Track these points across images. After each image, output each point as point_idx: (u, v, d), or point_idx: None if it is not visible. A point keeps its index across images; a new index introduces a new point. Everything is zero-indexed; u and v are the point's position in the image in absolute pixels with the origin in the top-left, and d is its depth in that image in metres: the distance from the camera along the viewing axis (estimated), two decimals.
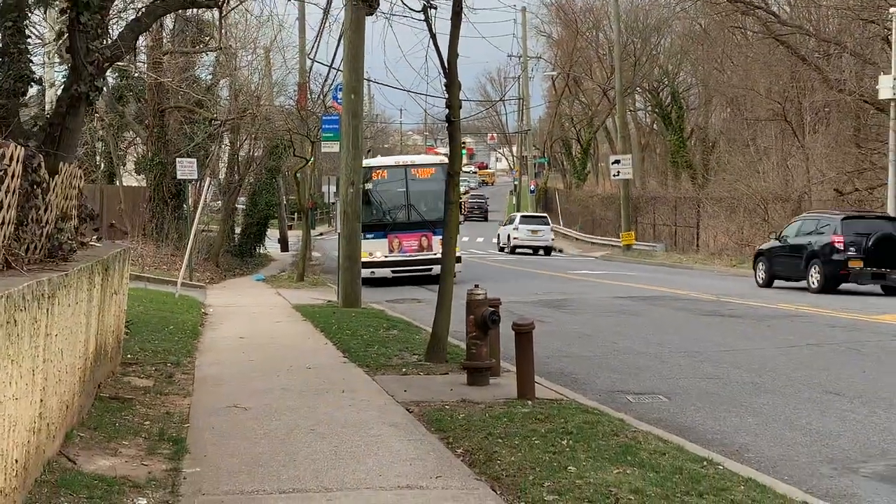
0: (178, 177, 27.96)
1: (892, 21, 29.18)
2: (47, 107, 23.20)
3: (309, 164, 32.57)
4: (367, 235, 25.54)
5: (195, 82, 33.57)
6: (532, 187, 62.69)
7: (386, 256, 27.49)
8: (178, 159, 28.10)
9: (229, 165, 37.51)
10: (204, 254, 32.28)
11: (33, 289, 5.70)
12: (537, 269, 33.80)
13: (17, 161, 6.56)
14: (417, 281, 27.02)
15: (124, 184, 35.80)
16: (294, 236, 53.10)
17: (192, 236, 24.28)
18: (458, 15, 12.59)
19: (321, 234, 60.24)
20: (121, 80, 33.80)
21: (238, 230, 40.29)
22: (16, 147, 6.50)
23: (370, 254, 26.27)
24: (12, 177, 6.42)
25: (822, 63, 37.26)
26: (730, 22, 44.08)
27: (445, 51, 12.88)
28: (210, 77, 36.23)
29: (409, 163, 29.62)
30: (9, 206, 6.41)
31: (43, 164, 7.40)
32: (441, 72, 13.01)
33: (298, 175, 32.79)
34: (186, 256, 24.04)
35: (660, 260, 41.25)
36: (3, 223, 6.28)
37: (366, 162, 27.67)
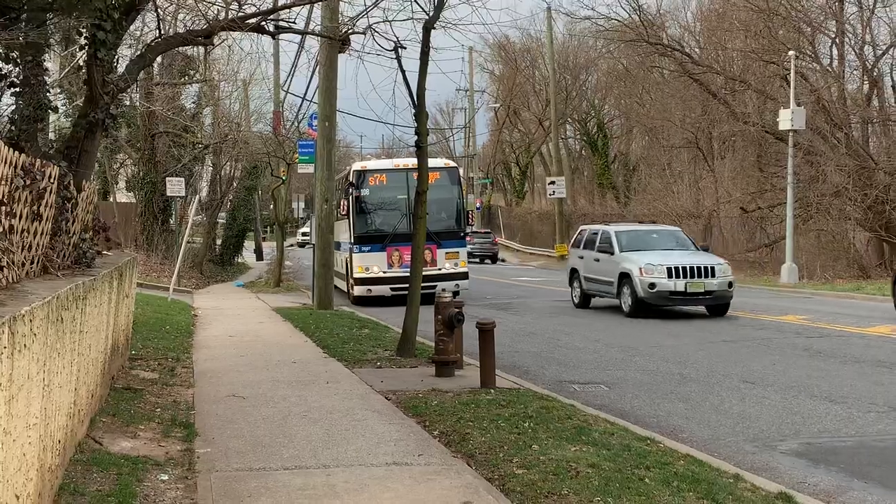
0: (168, 194, 27.78)
1: (789, 62, 29.86)
2: (50, 133, 22.92)
3: (283, 183, 32.47)
4: (363, 248, 22.30)
5: (182, 110, 33.32)
6: (478, 205, 62.89)
7: (384, 272, 22.31)
8: (167, 178, 27.92)
9: (211, 184, 37.28)
10: (189, 262, 32.03)
11: (73, 290, 5.73)
12: (485, 276, 34.00)
13: (54, 179, 6.58)
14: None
15: (117, 200, 35.40)
16: (268, 247, 52.87)
17: (183, 246, 24.13)
18: (425, 54, 12.73)
19: (290, 245, 59.95)
20: (115, 108, 33.44)
21: (219, 242, 40.03)
22: (54, 167, 6.52)
23: (366, 269, 22.35)
24: (51, 193, 6.44)
25: (730, 98, 37.95)
26: (649, 62, 44.77)
27: (413, 85, 13.05)
28: (195, 105, 35.99)
29: (410, 166, 21.70)
30: (47, 218, 6.43)
31: (72, 182, 7.41)
32: (410, 103, 13.15)
33: (275, 193, 32.64)
34: (178, 264, 23.87)
35: None
36: (42, 233, 6.29)
37: (360, 165, 24.43)
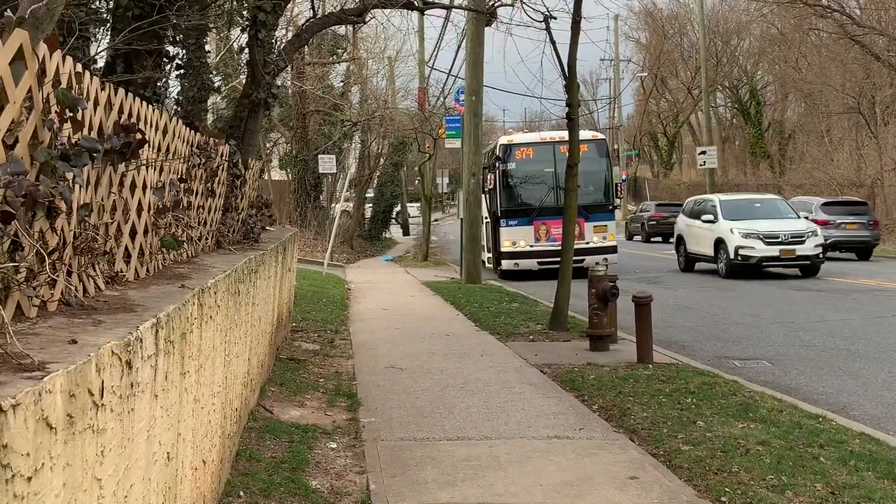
0: (321, 171, 28.48)
1: None
2: (209, 113, 23.89)
3: (430, 158, 32.78)
4: (510, 222, 22.34)
5: (331, 89, 34.09)
6: (623, 177, 61.85)
7: (532, 246, 22.20)
8: (319, 156, 28.62)
9: (360, 161, 38.04)
10: (340, 238, 32.85)
11: (247, 264, 5.95)
12: (634, 250, 33.45)
13: (225, 157, 6.83)
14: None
15: (272, 178, 36.61)
16: (413, 222, 53.62)
17: (336, 222, 24.74)
18: (577, 24, 12.54)
19: (436, 220, 60.60)
20: (275, 88, 34.58)
21: (368, 217, 40.90)
22: (224, 145, 6.77)
23: (513, 243, 22.29)
24: (222, 170, 6.69)
25: (894, 60, 35.89)
26: (806, 24, 42.80)
27: (564, 56, 12.89)
28: (343, 84, 36.75)
29: (557, 139, 22.29)
30: (220, 194, 6.69)
31: (240, 160, 7.68)
32: (561, 75, 13.00)
33: (422, 168, 32.99)
34: (331, 239, 24.51)
35: None
36: (216, 209, 6.55)
37: (506, 139, 24.31)
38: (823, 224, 26.39)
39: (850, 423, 7.41)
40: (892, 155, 37.17)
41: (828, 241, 23.66)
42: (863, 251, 27.55)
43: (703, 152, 45.81)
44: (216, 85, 12.73)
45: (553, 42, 13.41)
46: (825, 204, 28.07)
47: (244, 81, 11.92)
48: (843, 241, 27.11)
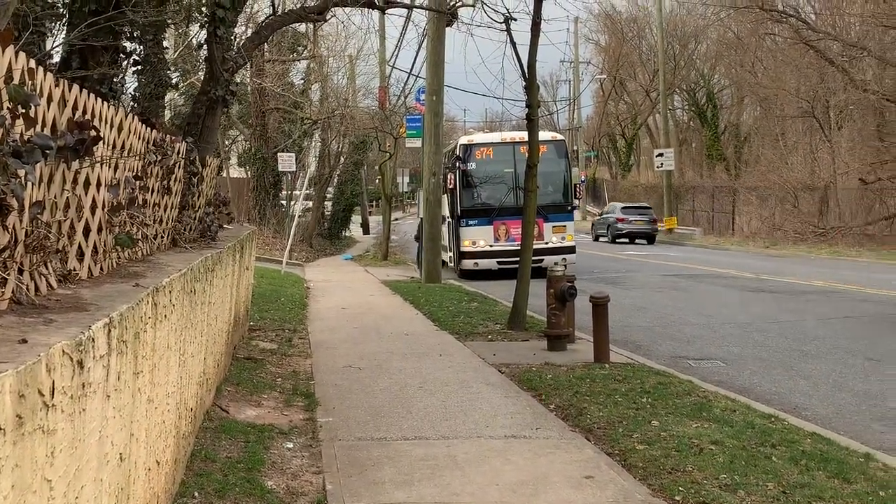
0: (280, 170, 28.34)
1: None
2: (167, 110, 23.68)
3: (390, 157, 32.74)
4: (470, 222, 22.43)
5: (291, 87, 33.92)
6: (582, 178, 62.22)
7: (491, 246, 22.40)
8: (279, 154, 28.47)
9: (320, 159, 37.89)
10: (299, 236, 32.70)
11: (204, 263, 5.90)
12: (591, 251, 33.69)
13: (182, 155, 6.77)
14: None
15: (230, 175, 36.33)
16: (373, 221, 53.58)
17: (295, 221, 24.60)
18: (537, 25, 12.60)
19: (396, 219, 60.58)
20: (234, 85, 34.34)
21: (327, 216, 40.76)
22: (181, 142, 6.70)
23: (473, 242, 22.43)
24: (179, 168, 6.62)
25: (848, 65, 36.50)
26: (761, 29, 43.40)
27: (525, 57, 12.93)
28: (304, 82, 36.58)
29: (517, 139, 22.54)
30: (176, 192, 6.62)
31: (197, 157, 7.61)
32: (521, 76, 13.04)
33: (382, 167, 32.95)
34: (290, 238, 24.38)
35: (699, 242, 40.81)
36: (172, 207, 6.48)
37: (467, 139, 24.50)
38: (622, 220, 40.48)
39: (802, 422, 7.53)
40: (845, 158, 37.80)
41: (624, 231, 40.06)
42: (650, 238, 40.38)
43: (661, 154, 46.28)
44: (174, 81, 12.61)
45: (513, 43, 13.47)
46: (623, 208, 41.39)
47: (202, 78, 11.82)
48: (635, 232, 40.23)
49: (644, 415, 7.47)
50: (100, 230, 4.16)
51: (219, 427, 6.69)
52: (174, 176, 6.44)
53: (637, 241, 40.16)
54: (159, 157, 5.86)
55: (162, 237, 6.28)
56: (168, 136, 6.30)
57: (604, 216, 43.43)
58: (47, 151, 2.99)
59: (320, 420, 7.38)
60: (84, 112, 3.85)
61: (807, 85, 40.45)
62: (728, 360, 10.96)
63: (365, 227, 50.52)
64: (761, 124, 52.11)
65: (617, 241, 40.13)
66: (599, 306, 10.28)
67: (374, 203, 67.56)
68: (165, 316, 4.27)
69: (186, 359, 5.37)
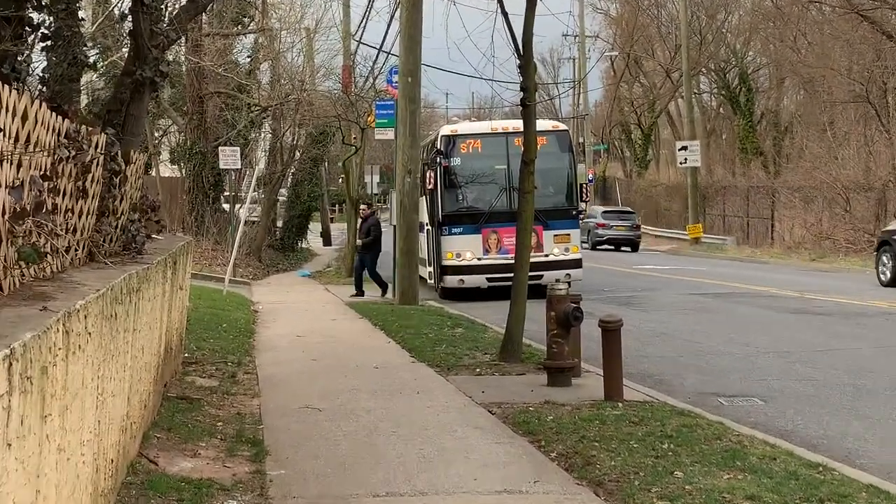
0: (221, 167, 28.35)
1: None
2: (83, 95, 23.65)
3: (356, 152, 32.77)
4: (454, 230, 22.28)
5: (236, 66, 33.95)
6: (590, 176, 62.54)
7: (480, 259, 22.05)
8: (220, 148, 28.49)
9: (271, 154, 37.89)
10: (246, 248, 32.68)
11: (127, 282, 5.89)
12: (601, 264, 33.82)
13: (101, 150, 6.76)
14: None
15: (161, 174, 36.32)
16: (336, 229, 53.59)
17: (239, 230, 24.59)
18: None
19: None
20: (165, 65, 34.35)
21: (280, 223, 40.74)
22: (100, 134, 6.70)
23: (457, 255, 22.21)
24: (97, 165, 6.61)
25: None
26: None
27: (518, 31, 13.00)
28: (251, 60, 36.61)
29: (510, 130, 22.17)
30: (94, 195, 6.61)
31: (120, 152, 7.60)
32: (514, 53, 13.11)
33: (346, 164, 32.98)
34: (234, 250, 24.36)
35: (731, 254, 41.04)
36: (89, 213, 6.47)
37: (450, 128, 24.42)
38: (602, 226, 44.61)
39: (856, 472, 7.56)
40: None
41: (605, 238, 44.47)
42: (633, 245, 44.65)
43: (684, 147, 46.61)
44: (92, 60, 12.59)
45: (505, 14, 13.55)
46: (604, 212, 46.09)
47: (126, 56, 11.82)
48: (617, 238, 44.58)
49: (665, 464, 7.49)
50: None
51: (146, 482, 6.67)
52: (91, 175, 6.43)
53: (622, 248, 45.31)
54: (73, 153, 5.85)
55: (76, 250, 6.27)
56: (84, 126, 6.29)
57: (584, 221, 44.58)
58: None
59: (271, 473, 7.38)
60: None
61: (860, 64, 40.87)
62: (767, 397, 11.01)
63: (326, 237, 50.52)
64: (805, 111, 52.56)
65: (597, 248, 44.15)
66: (611, 332, 10.32)
67: (336, 207, 67.60)
68: (80, 346, 4.26)
69: (106, 398, 5.35)
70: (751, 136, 58.30)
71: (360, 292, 23.49)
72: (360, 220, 25.83)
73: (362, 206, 26.69)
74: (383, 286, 23.43)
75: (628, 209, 48.86)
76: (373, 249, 23.93)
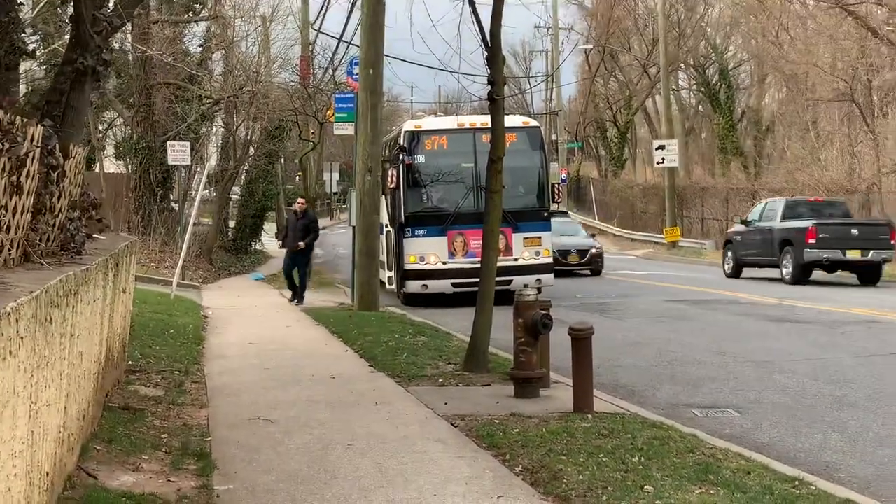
0: (170, 162, 28.20)
1: None
2: (21, 84, 23.46)
3: (314, 148, 32.74)
4: (417, 232, 22.38)
5: (186, 56, 33.78)
6: (563, 176, 62.74)
7: (445, 262, 22.18)
8: (169, 143, 28.34)
9: (223, 150, 37.76)
10: (196, 250, 32.54)
11: (64, 284, 5.85)
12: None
13: (38, 143, 6.70)
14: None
15: (105, 170, 36.09)
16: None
17: (189, 231, 24.47)
18: None
19: (322, 228, 60.53)
20: (108, 53, 34.15)
21: (232, 223, 40.60)
22: (37, 127, 6.65)
23: (420, 258, 22.32)
24: (33, 160, 6.56)
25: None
26: None
27: (486, 21, 13.04)
28: (202, 50, 36.45)
29: (478, 125, 22.31)
30: (28, 191, 6.55)
31: (58, 146, 7.55)
32: (481, 44, 13.14)
33: (303, 161, 32.95)
34: (183, 252, 24.26)
35: (710, 259, 41.24)
36: (24, 211, 6.42)
37: (413, 124, 24.49)
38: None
39: (833, 487, 7.65)
40: (892, 154, 38.52)
41: None
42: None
43: (662, 147, 46.88)
44: (30, 48, 12.50)
45: (472, 2, 13.55)
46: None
47: (67, 43, 11.75)
48: None
49: (635, 478, 7.53)
50: None
51: (84, 497, 6.63)
52: (27, 170, 6.38)
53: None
54: (6, 146, 5.81)
55: (10, 249, 6.22)
56: (19, 117, 6.25)
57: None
58: None
59: (218, 488, 7.36)
60: None
61: (844, 61, 41.22)
62: (743, 408, 11.10)
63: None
64: (787, 110, 52.98)
65: None
66: (581, 340, 10.36)
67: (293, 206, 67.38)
68: (11, 352, 4.23)
69: (40, 408, 5.31)
70: (731, 136, 58.77)
71: (298, 296, 23.39)
72: (293, 217, 24.63)
73: (299, 200, 25.67)
74: (294, 290, 23.45)
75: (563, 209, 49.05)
76: (309, 249, 23.82)
